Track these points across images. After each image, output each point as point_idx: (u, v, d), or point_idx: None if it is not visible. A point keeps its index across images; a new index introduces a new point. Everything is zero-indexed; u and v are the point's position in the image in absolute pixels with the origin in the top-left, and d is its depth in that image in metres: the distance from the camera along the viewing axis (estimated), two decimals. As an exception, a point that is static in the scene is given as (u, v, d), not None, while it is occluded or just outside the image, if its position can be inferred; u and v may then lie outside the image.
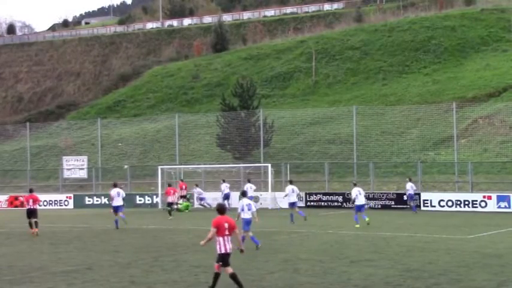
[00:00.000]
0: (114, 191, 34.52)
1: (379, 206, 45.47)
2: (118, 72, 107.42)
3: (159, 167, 52.15)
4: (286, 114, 64.68)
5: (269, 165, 49.51)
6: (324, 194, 48.20)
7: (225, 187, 46.73)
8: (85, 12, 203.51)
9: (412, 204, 43.56)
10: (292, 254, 22.11)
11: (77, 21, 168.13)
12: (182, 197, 47.03)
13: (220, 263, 15.58)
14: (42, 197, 57.50)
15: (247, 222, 23.50)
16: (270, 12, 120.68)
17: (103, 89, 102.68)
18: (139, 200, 52.79)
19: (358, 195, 32.91)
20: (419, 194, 44.91)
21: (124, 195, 35.31)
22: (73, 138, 73.63)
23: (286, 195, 36.29)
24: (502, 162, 50.59)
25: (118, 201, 34.22)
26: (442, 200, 44.01)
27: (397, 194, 46.19)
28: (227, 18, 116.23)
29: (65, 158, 62.44)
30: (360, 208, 32.97)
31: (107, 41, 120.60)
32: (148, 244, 25.59)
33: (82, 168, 60.01)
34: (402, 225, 33.43)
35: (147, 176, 57.48)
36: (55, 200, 56.44)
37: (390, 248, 23.46)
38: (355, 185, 34.24)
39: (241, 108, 61.13)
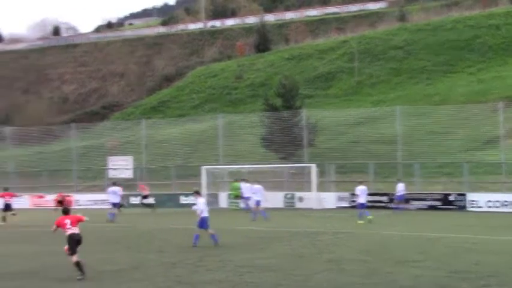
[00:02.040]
0: (110, 189, 40.09)
1: (425, 207, 45.04)
2: (162, 73, 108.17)
3: (203, 167, 52.38)
4: (329, 115, 64.35)
5: (313, 165, 49.37)
6: (369, 194, 47.80)
7: (244, 186, 45.68)
8: (129, 14, 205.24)
9: (399, 205, 43.56)
10: (337, 254, 22.04)
11: (121, 23, 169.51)
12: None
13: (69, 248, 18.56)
14: (89, 196, 58.33)
15: (206, 220, 24.63)
16: (312, 12, 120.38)
17: (147, 90, 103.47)
18: (184, 200, 53.08)
19: (361, 194, 35.35)
20: (464, 195, 44.49)
21: (121, 193, 41.33)
22: (118, 138, 74.26)
23: (254, 193, 39.02)
24: (550, 162, 49.73)
25: (115, 199, 39.35)
26: (490, 201, 43.41)
27: (443, 194, 45.69)
28: (269, 18, 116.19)
29: (110, 158, 63.06)
30: (362, 206, 35.17)
31: (150, 41, 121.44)
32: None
33: (127, 169, 60.50)
34: (448, 226, 33.09)
35: (191, 176, 57.69)
36: (101, 200, 57.01)
37: (436, 249, 23.25)
38: (360, 183, 36.58)
39: (284, 109, 61.01)
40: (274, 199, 47.18)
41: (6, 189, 42.13)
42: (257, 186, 38.88)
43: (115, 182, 42.23)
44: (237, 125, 66.43)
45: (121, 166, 60.71)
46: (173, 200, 53.99)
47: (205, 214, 24.69)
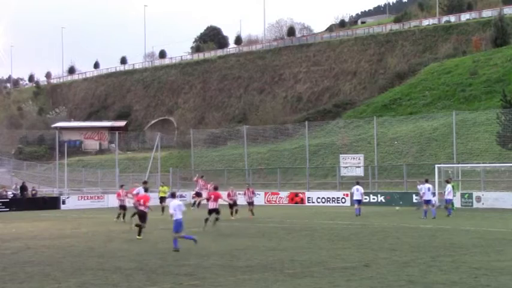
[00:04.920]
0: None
1: None
2: (394, 71, 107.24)
3: (436, 166, 51.22)
4: None
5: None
6: None
7: (355, 189, 42.52)
8: (361, 12, 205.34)
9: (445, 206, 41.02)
10: None
11: (353, 21, 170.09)
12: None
13: None
14: (320, 194, 59.19)
15: (179, 223, 23.52)
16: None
17: (378, 88, 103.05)
18: (415, 199, 52.30)
19: (427, 191, 38.50)
20: None
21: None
22: (349, 136, 74.73)
23: (352, 193, 43.46)
24: None
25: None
26: None
27: None
28: (508, 11, 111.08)
29: (342, 156, 63.58)
30: (427, 202, 38.55)
31: (382, 39, 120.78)
32: (426, 243, 25.17)
33: (358, 166, 60.67)
34: None
35: (423, 174, 56.73)
36: (332, 198, 57.71)
37: None
38: (426, 181, 39.55)
39: (525, 106, 58.29)
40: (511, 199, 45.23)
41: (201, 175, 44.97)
42: (358, 187, 41.74)
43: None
44: (471, 123, 64.38)
45: (352, 164, 61.01)
46: (405, 198, 53.40)
47: (179, 216, 23.57)
